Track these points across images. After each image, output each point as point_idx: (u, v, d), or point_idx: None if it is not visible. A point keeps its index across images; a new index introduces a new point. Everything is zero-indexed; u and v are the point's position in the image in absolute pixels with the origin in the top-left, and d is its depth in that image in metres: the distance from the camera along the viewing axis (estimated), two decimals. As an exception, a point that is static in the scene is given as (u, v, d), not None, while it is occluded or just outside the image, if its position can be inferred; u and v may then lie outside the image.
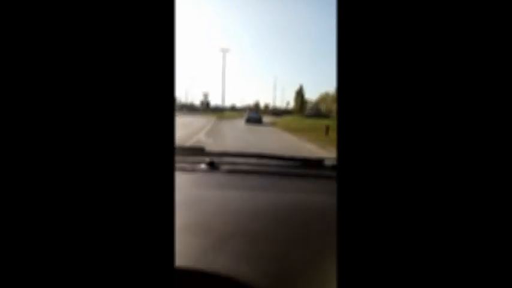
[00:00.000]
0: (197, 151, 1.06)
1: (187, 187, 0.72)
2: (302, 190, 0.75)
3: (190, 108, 44.12)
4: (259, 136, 10.05)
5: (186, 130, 9.99)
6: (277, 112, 45.19)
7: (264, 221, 0.53)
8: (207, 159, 0.93)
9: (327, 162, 0.99)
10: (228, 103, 66.98)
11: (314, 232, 0.50)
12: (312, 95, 77.70)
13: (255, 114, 19.40)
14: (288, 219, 0.55)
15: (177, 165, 0.87)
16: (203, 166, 0.90)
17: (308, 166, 0.99)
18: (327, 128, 9.88)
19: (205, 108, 39.37)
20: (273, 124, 17.99)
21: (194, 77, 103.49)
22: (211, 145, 5.89)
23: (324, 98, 38.40)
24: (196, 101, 57.51)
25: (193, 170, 0.87)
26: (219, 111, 34.82)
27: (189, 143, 6.57)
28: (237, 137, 9.40)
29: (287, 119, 26.80)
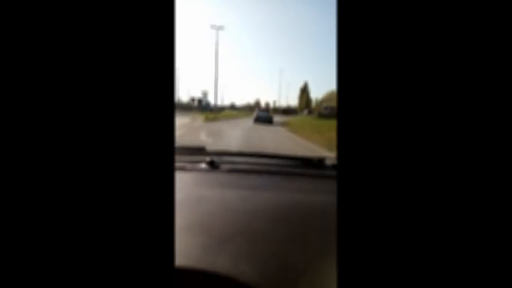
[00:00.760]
0: (197, 150, 1.06)
1: (188, 186, 0.72)
2: (302, 189, 0.75)
3: (177, 107, 37.60)
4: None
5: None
6: (287, 111, 39.62)
7: (264, 221, 0.53)
8: (207, 158, 0.93)
9: (328, 162, 0.98)
10: (227, 102, 63.34)
11: (314, 231, 0.50)
12: (314, 94, 76.61)
13: (265, 114, 17.36)
14: (288, 219, 0.55)
15: (177, 164, 0.86)
16: (203, 165, 0.90)
17: (308, 165, 0.98)
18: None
19: (197, 106, 34.82)
20: (283, 124, 15.07)
21: (192, 75, 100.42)
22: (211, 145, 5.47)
23: (330, 96, 36.48)
24: (184, 97, 46.85)
25: (193, 169, 0.87)
26: (216, 111, 27.02)
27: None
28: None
29: (298, 118, 23.74)
